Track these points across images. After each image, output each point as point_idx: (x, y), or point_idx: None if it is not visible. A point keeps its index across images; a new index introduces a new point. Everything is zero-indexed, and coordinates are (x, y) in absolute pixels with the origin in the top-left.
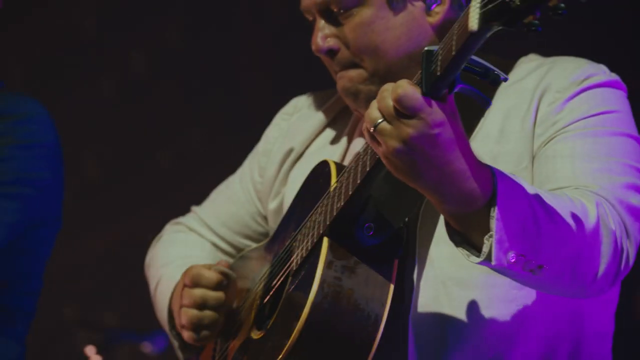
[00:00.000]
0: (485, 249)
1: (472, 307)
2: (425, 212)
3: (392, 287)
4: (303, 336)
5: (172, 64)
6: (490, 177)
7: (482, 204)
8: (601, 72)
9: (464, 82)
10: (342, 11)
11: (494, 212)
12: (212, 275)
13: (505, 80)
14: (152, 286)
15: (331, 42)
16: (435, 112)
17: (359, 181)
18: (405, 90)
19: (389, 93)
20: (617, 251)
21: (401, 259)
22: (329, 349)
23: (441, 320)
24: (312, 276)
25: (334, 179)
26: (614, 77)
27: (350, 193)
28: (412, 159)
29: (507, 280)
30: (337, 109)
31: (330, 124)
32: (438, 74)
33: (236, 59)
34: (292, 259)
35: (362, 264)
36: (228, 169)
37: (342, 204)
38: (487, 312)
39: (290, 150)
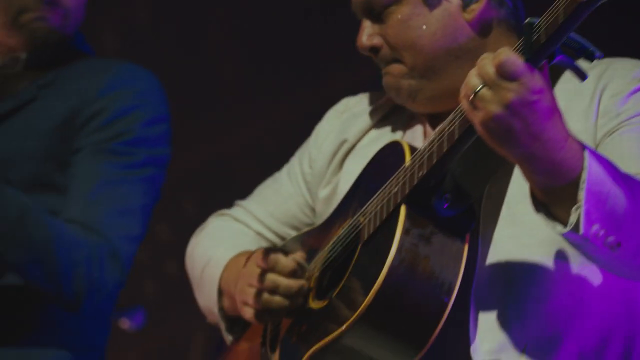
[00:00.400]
0: (572, 219)
1: (532, 285)
2: (490, 191)
3: (464, 259)
4: (378, 299)
5: (143, 43)
6: (581, 150)
7: (573, 175)
8: None
9: (564, 53)
10: (382, 9)
11: (584, 184)
12: (288, 263)
13: (601, 57)
14: (197, 270)
15: (374, 40)
16: (536, 79)
17: (445, 149)
18: (508, 55)
19: (489, 60)
20: None
21: (471, 234)
22: (402, 313)
23: (502, 296)
24: (389, 241)
25: (408, 156)
26: None
27: (434, 161)
28: (511, 125)
29: (568, 259)
30: (389, 107)
31: (382, 119)
32: (542, 41)
33: (209, 38)
34: (361, 231)
35: (438, 233)
36: (197, 147)
37: (425, 171)
38: (546, 289)
39: (344, 142)
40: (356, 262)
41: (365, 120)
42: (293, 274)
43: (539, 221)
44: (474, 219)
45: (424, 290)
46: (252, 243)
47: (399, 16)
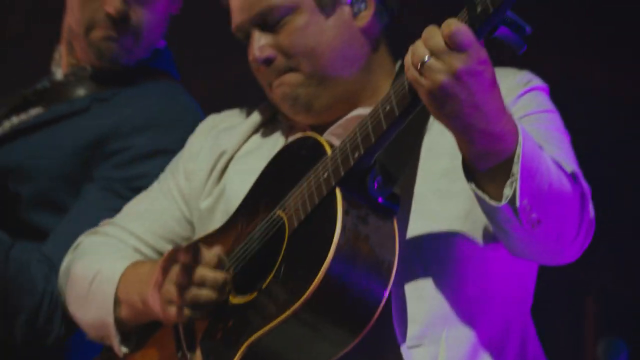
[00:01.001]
0: (508, 192)
1: (445, 274)
2: (401, 186)
3: (397, 239)
4: (326, 278)
5: None
6: (515, 126)
7: (509, 150)
8: (536, 78)
9: (504, 25)
10: (276, 21)
11: (519, 158)
12: (212, 256)
13: (530, 31)
14: (81, 286)
15: (268, 52)
16: (482, 50)
17: (384, 127)
18: (459, 26)
19: (436, 31)
20: (587, 222)
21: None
22: (349, 292)
23: (419, 285)
24: (329, 223)
25: (327, 147)
26: (545, 83)
27: (373, 141)
28: (456, 95)
29: (477, 248)
30: (264, 118)
31: (258, 129)
32: (490, 12)
33: None
34: (285, 223)
35: (372, 215)
36: None
37: (362, 152)
38: (458, 277)
39: (222, 154)
40: (287, 251)
41: (240, 131)
42: (218, 266)
43: (447, 214)
44: (398, 203)
45: (367, 269)
46: (132, 258)
47: (296, 25)
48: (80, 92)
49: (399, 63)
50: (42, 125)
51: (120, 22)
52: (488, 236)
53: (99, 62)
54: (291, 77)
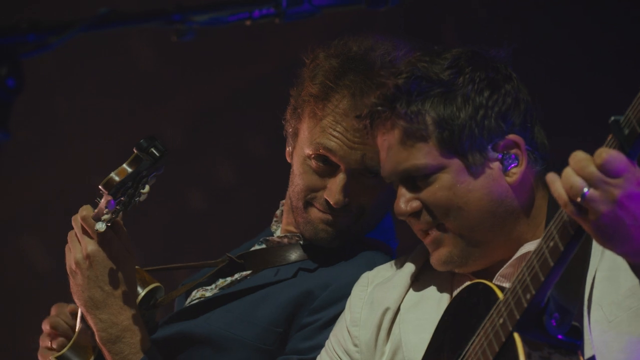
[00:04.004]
0: None
1: None
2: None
3: None
4: None
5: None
6: None
7: None
8: None
9: None
10: (422, 178)
11: None
12: None
13: None
14: None
15: (413, 205)
16: (638, 171)
17: (552, 264)
18: (610, 153)
19: (588, 161)
20: None
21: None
22: None
23: None
24: None
25: (499, 292)
26: None
27: (542, 279)
28: (621, 221)
29: None
30: (419, 265)
31: (416, 278)
32: (638, 132)
33: None
34: None
35: (555, 354)
36: None
37: (534, 292)
38: None
39: (386, 310)
40: None
41: (398, 284)
42: None
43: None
44: (581, 335)
45: None
46: None
47: (441, 184)
48: (292, 256)
49: None
50: (244, 293)
51: (339, 210)
52: None
53: (313, 239)
54: (440, 239)
